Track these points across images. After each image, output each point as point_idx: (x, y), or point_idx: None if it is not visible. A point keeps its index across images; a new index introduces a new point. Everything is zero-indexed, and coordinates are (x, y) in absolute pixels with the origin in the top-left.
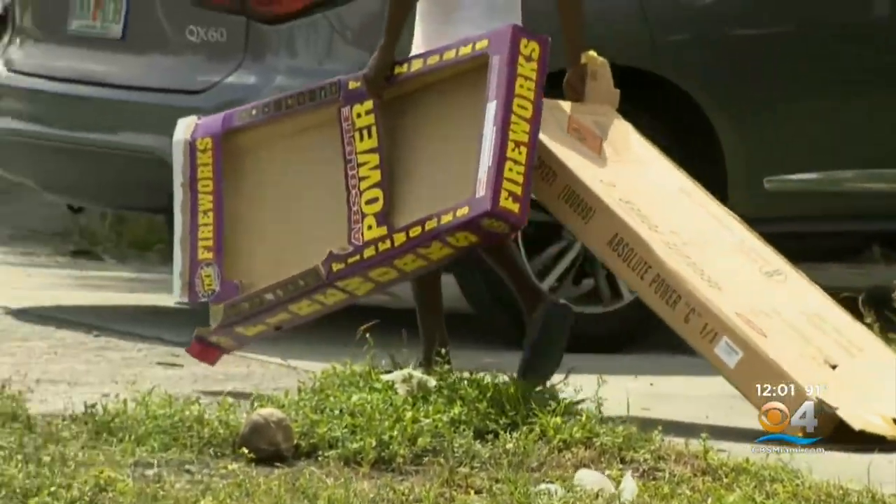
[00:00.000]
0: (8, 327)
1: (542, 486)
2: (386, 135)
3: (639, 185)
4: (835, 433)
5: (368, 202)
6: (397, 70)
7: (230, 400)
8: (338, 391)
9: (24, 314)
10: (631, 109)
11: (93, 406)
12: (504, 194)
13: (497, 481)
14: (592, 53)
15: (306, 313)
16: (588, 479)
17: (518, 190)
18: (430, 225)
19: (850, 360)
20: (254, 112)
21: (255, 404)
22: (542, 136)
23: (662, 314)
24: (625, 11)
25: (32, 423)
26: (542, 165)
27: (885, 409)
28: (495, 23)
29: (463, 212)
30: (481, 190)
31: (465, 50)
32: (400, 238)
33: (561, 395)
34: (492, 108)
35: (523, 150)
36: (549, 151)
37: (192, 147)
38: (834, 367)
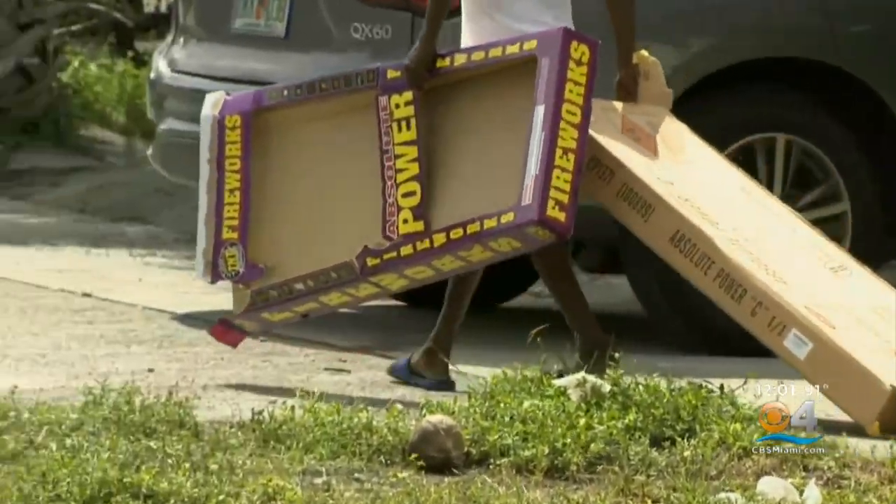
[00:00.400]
0: (174, 332)
1: (722, 495)
2: (424, 128)
3: (697, 184)
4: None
5: (405, 195)
6: (439, 63)
7: (399, 406)
8: (508, 397)
9: (189, 319)
10: (808, 103)
11: (260, 413)
12: (551, 203)
13: (675, 490)
14: (644, 53)
15: (336, 304)
16: (770, 487)
17: (565, 198)
18: (472, 228)
19: None
20: (285, 92)
21: (425, 411)
22: (597, 136)
23: (728, 309)
24: (804, 2)
25: (200, 430)
26: (599, 164)
27: None
28: (545, 18)
29: (508, 218)
30: (528, 197)
31: (513, 49)
32: (440, 239)
33: (740, 401)
34: (540, 113)
35: (571, 156)
36: (605, 150)
37: (220, 124)
38: None
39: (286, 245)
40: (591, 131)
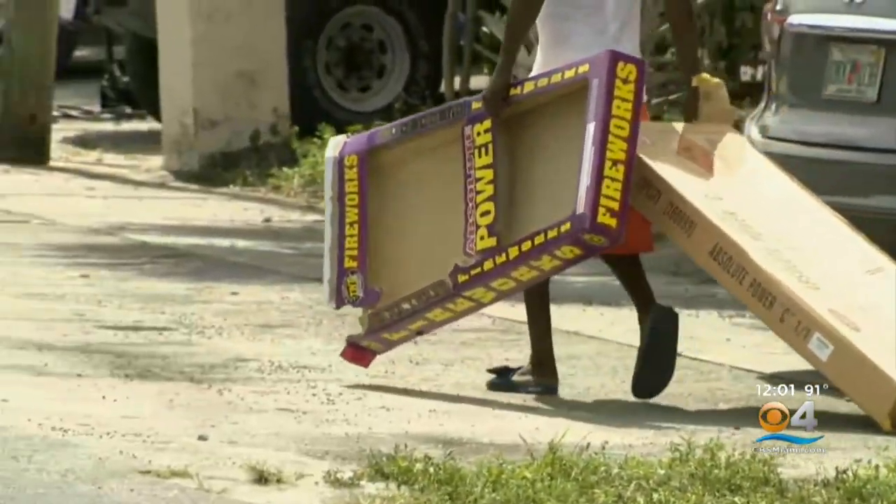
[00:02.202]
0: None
1: None
2: (502, 152)
3: (747, 197)
4: None
5: (483, 214)
6: (512, 92)
7: None
8: None
9: (776, 378)
10: None
11: (844, 471)
12: (602, 210)
13: None
14: (705, 76)
15: (441, 320)
16: None
17: (615, 206)
18: (538, 240)
19: None
20: (394, 131)
21: None
22: (647, 159)
23: (761, 316)
24: None
25: (784, 487)
26: (649, 186)
27: None
28: (602, 48)
29: (566, 228)
30: (580, 207)
31: (570, 74)
32: (514, 252)
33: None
34: (591, 129)
35: (620, 167)
36: (653, 172)
37: (340, 164)
38: None
39: (398, 269)
40: (643, 155)
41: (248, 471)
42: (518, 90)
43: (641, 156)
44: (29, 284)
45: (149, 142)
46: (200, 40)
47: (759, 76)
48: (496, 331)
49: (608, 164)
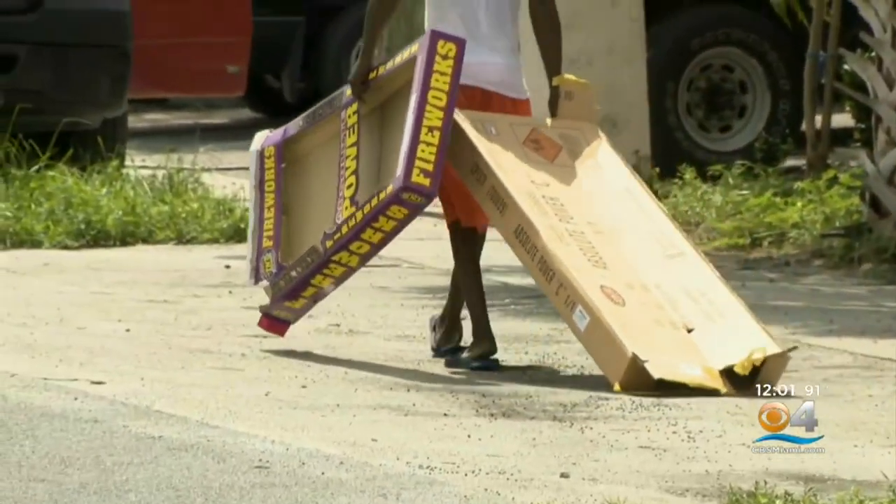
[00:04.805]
0: None
1: None
2: (370, 131)
3: (577, 185)
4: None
5: (348, 187)
6: (371, 75)
7: None
8: None
9: None
10: None
11: None
12: (416, 171)
13: None
14: (567, 76)
15: (325, 286)
16: None
17: (429, 167)
18: (374, 202)
19: (709, 324)
20: (301, 123)
21: None
22: (480, 146)
23: (544, 289)
24: None
25: None
26: (478, 170)
27: (713, 363)
28: (475, 45)
29: (390, 189)
30: (399, 169)
31: (406, 54)
32: (359, 216)
33: None
34: (413, 100)
35: (436, 133)
36: (482, 157)
37: (260, 155)
38: (690, 330)
39: (300, 247)
40: (478, 143)
41: None
42: (374, 74)
43: (475, 142)
44: (398, 326)
45: None
46: None
47: None
48: (858, 367)
49: (424, 129)
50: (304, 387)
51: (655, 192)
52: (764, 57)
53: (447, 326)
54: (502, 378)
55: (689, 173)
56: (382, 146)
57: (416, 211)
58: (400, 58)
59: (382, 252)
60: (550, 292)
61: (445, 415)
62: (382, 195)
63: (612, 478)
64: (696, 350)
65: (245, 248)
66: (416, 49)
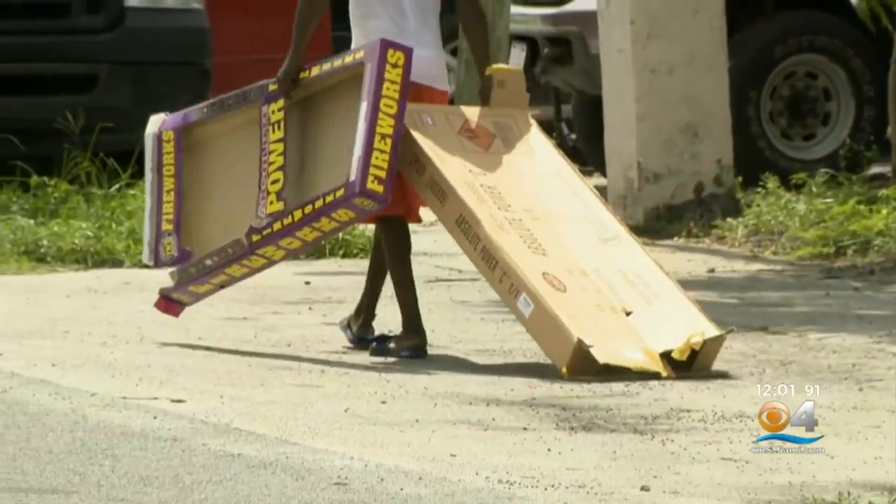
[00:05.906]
0: None
1: None
2: (295, 128)
3: (512, 173)
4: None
5: (273, 182)
6: (302, 74)
7: None
8: None
9: None
10: None
11: None
12: (371, 178)
13: None
14: (498, 66)
15: (240, 275)
16: None
17: (383, 174)
18: (318, 204)
19: (647, 307)
20: (205, 110)
21: None
22: (418, 137)
23: (486, 278)
24: None
25: None
26: (417, 161)
27: (653, 346)
28: (403, 42)
29: (340, 193)
30: (353, 175)
31: (349, 59)
32: (298, 214)
33: None
34: (364, 107)
35: (388, 140)
36: (420, 149)
37: (158, 139)
38: (629, 313)
39: (207, 232)
40: (416, 133)
41: None
42: (307, 73)
43: (413, 134)
44: (478, 341)
45: None
46: (644, 95)
47: None
48: None
49: (378, 137)
50: (383, 402)
51: (738, 202)
52: (848, 63)
53: (363, 320)
54: (582, 391)
55: (772, 182)
56: (305, 144)
57: (362, 215)
58: (340, 61)
59: (462, 266)
60: (494, 280)
61: (525, 429)
62: (330, 198)
63: (693, 490)
64: (637, 333)
65: (324, 264)
66: (361, 55)
